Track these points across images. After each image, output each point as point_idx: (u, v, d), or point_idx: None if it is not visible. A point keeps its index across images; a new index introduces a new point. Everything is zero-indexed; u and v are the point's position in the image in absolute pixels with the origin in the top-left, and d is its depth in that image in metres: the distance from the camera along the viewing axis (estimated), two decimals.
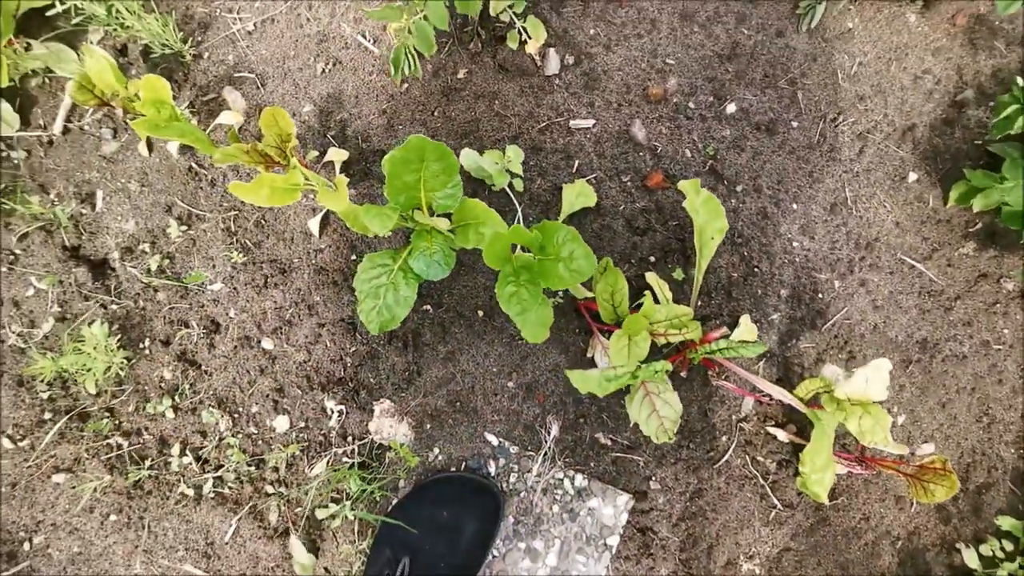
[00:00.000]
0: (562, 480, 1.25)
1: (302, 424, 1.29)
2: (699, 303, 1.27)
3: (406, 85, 1.36)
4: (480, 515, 1.17)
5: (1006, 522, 1.21)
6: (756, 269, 1.29)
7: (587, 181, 1.31)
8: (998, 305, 1.30)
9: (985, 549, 1.20)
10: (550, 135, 1.33)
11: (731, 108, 1.34)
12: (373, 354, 1.29)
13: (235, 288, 1.31)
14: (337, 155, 1.30)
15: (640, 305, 1.12)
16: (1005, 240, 1.31)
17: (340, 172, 1.31)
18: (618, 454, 1.25)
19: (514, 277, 1.07)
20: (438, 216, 1.12)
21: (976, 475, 1.27)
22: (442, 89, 1.36)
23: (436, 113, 1.35)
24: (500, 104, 1.34)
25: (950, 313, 1.30)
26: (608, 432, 1.26)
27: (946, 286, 1.31)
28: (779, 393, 1.15)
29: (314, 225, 1.31)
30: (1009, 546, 1.20)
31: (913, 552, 1.24)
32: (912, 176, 1.33)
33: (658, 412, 1.09)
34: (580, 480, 1.25)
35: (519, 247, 1.12)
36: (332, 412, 1.29)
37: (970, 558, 1.18)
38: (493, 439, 1.27)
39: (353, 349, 1.30)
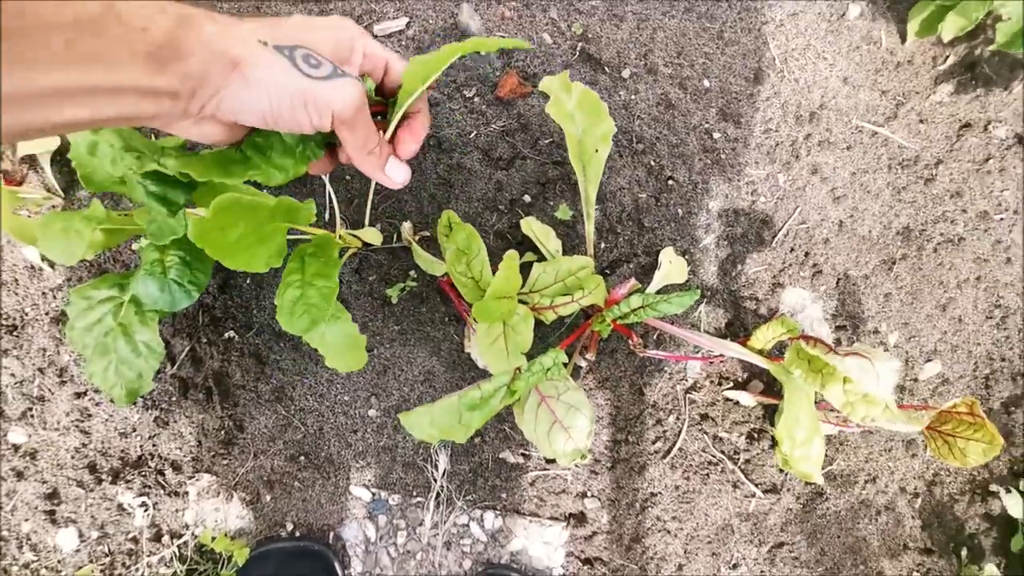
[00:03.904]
0: (468, 525, 0.91)
1: (96, 533, 0.91)
2: (600, 246, 0.91)
3: None
4: None
5: None
6: (671, 181, 0.92)
7: None
8: (991, 161, 0.98)
9: None
10: None
11: None
12: (169, 417, 0.91)
13: None
14: (39, 143, 0.87)
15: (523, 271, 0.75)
16: (987, 70, 0.97)
17: (50, 167, 0.88)
18: (536, 473, 0.91)
19: (299, 274, 0.68)
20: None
21: (999, 389, 0.97)
22: None
23: None
24: None
25: (932, 185, 0.97)
26: (516, 448, 0.91)
27: (921, 150, 0.97)
28: (729, 349, 0.81)
29: (34, 254, 0.90)
30: None
31: (938, 508, 0.95)
32: (853, 10, 0.97)
33: (562, 422, 0.74)
34: (492, 519, 0.91)
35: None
36: (132, 508, 0.91)
37: (1012, 503, 0.89)
38: (364, 493, 0.91)
39: (138, 417, 0.91)
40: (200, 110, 0.41)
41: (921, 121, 0.97)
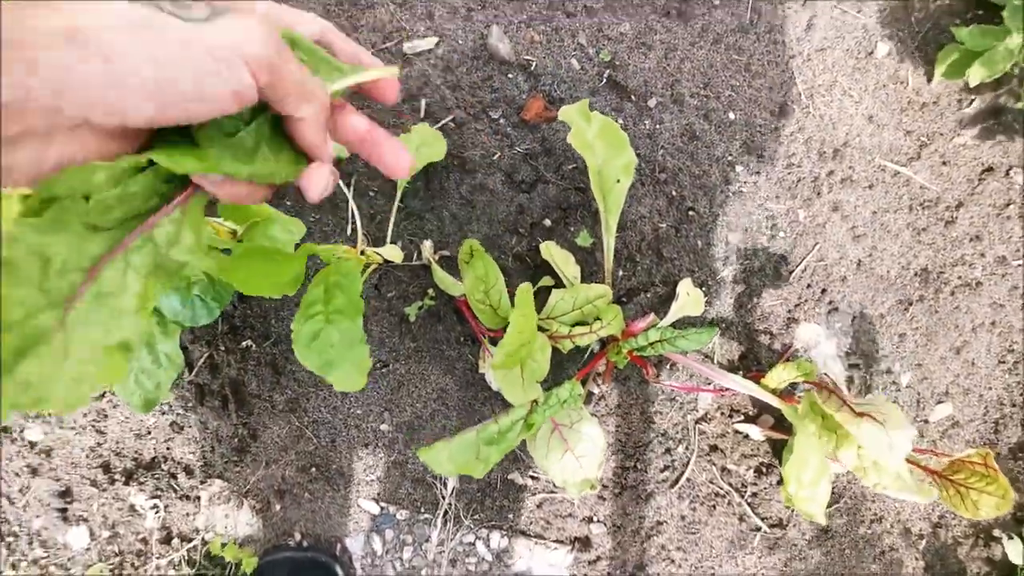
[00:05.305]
0: (474, 544, 0.92)
1: (107, 533, 0.93)
2: (619, 274, 0.92)
3: None
4: None
5: None
6: (691, 212, 0.93)
7: (444, 126, 0.92)
8: (1011, 207, 0.98)
9: None
10: None
11: None
12: (184, 422, 0.92)
13: None
14: None
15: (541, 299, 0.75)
16: (1010, 117, 0.97)
17: None
18: (544, 495, 0.92)
19: (322, 306, 0.69)
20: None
21: (1007, 434, 0.97)
22: None
23: None
24: None
25: (952, 228, 0.97)
26: (525, 469, 0.92)
27: (943, 192, 0.97)
28: (742, 386, 0.82)
29: None
30: None
31: (941, 550, 0.95)
32: (882, 49, 0.97)
33: (573, 451, 0.75)
34: (498, 539, 0.92)
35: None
36: (144, 509, 0.93)
37: (1013, 550, 0.89)
38: (372, 506, 0.92)
39: (154, 421, 0.92)
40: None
41: (944, 163, 0.97)
